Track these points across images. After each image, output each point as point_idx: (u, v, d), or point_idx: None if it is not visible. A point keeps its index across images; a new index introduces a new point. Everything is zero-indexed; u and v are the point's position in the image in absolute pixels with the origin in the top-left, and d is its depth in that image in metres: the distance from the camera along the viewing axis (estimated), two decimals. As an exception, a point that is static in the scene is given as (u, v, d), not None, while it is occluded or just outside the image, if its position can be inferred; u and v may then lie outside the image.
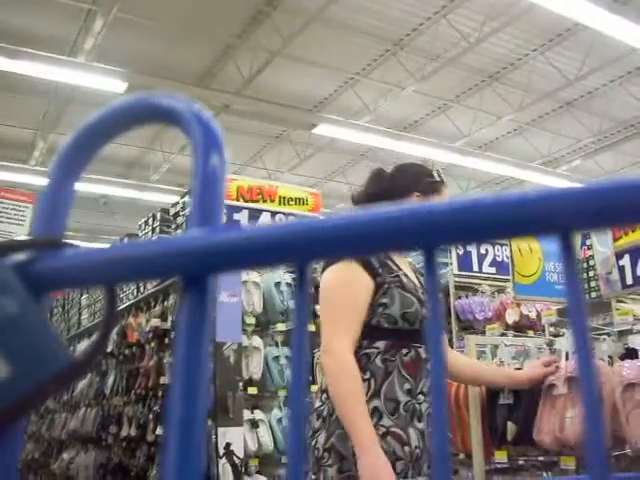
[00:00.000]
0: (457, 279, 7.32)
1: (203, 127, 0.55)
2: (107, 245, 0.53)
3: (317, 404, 2.28)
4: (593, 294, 6.72)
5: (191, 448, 0.44)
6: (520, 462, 4.26)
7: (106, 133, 0.62)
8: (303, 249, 0.45)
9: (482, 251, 6.94)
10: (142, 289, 6.63)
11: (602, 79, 12.05)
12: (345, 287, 2.24)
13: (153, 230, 6.89)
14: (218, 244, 0.46)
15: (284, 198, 5.72)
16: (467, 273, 7.46)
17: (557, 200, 0.40)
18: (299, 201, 5.79)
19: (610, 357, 3.96)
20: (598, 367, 3.85)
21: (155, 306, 6.32)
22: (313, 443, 2.20)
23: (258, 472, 5.06)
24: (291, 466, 0.46)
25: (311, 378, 5.39)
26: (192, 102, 0.57)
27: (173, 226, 6.47)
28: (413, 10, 9.92)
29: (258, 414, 5.16)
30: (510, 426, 4.06)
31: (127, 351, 6.99)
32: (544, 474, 3.97)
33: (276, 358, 5.30)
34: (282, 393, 5.30)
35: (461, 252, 6.94)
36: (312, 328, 5.52)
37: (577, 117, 13.26)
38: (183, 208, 6.26)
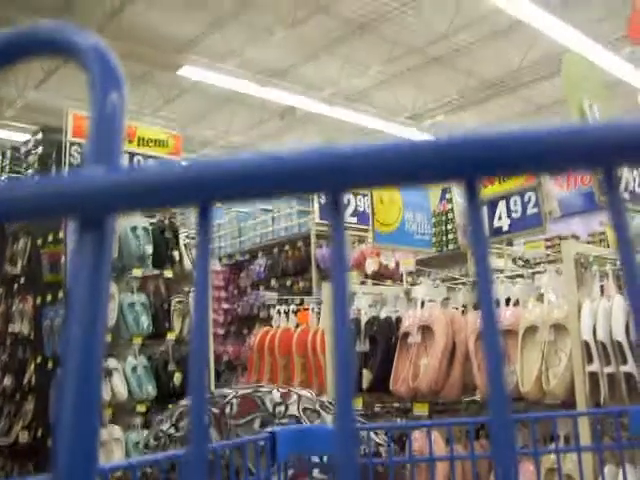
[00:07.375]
0: (318, 228, 7.34)
1: (103, 61, 0.52)
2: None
3: None
4: (451, 246, 6.91)
5: (89, 401, 0.42)
6: (376, 409, 4.35)
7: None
8: (206, 189, 0.43)
9: (344, 201, 6.96)
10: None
11: (470, 37, 12.27)
12: None
13: (2, 169, 6.68)
14: (118, 183, 0.44)
15: (143, 139, 5.47)
16: (328, 222, 7.48)
17: (464, 148, 0.40)
18: (159, 143, 5.56)
19: (464, 306, 4.07)
20: (453, 316, 3.94)
21: (3, 250, 6.04)
22: None
23: (112, 422, 4.95)
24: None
25: (167, 324, 5.27)
26: (90, 34, 0.54)
27: (24, 165, 6.29)
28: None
29: (112, 362, 5.01)
30: (366, 374, 4.11)
31: (-29, 297, 6.64)
32: (398, 420, 4.07)
33: (131, 305, 5.12)
34: (137, 341, 5.14)
35: (323, 201, 6.93)
36: (169, 274, 5.41)
37: (443, 73, 13.50)
38: (35, 146, 6.11)
